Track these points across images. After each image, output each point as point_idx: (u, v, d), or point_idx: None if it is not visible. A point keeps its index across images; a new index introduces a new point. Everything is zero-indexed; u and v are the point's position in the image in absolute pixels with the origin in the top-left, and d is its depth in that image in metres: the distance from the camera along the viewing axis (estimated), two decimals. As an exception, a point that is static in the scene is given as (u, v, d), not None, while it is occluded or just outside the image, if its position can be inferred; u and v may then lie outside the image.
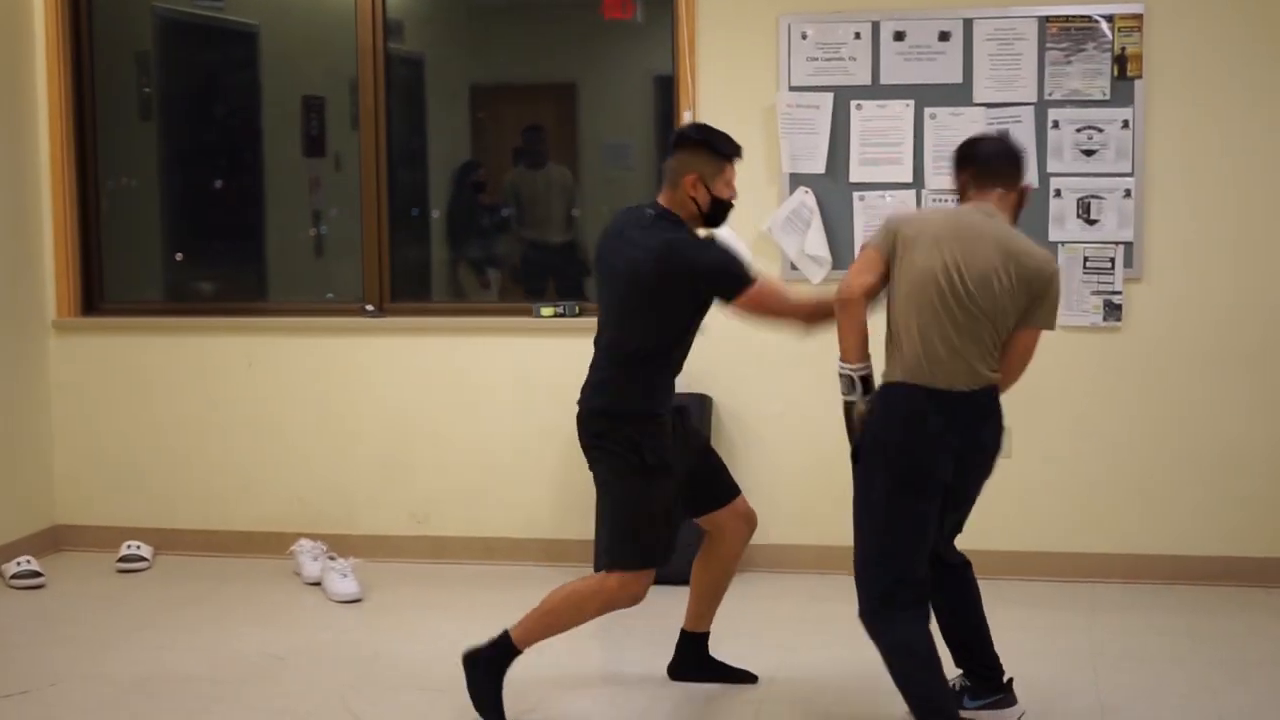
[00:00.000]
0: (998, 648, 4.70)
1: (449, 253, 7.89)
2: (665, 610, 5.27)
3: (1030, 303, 4.33)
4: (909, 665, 4.35)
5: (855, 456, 4.47)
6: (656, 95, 7.50)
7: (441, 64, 7.84)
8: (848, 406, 4.50)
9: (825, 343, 6.32)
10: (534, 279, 7.83)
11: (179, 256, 7.56)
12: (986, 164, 4.52)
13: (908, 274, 4.34)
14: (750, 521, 5.01)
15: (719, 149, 4.65)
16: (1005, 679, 4.67)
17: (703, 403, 6.49)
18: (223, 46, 7.94)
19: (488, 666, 4.79)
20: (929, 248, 4.32)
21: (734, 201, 4.73)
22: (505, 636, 4.79)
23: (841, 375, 4.48)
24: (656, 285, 4.55)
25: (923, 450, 4.32)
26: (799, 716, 4.93)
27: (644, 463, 4.62)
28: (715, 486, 4.94)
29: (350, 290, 7.10)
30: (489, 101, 8.23)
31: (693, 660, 5.15)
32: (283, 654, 5.62)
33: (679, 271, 4.54)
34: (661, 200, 4.68)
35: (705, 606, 5.11)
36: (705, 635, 5.15)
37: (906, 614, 4.36)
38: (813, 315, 4.72)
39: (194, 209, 7.80)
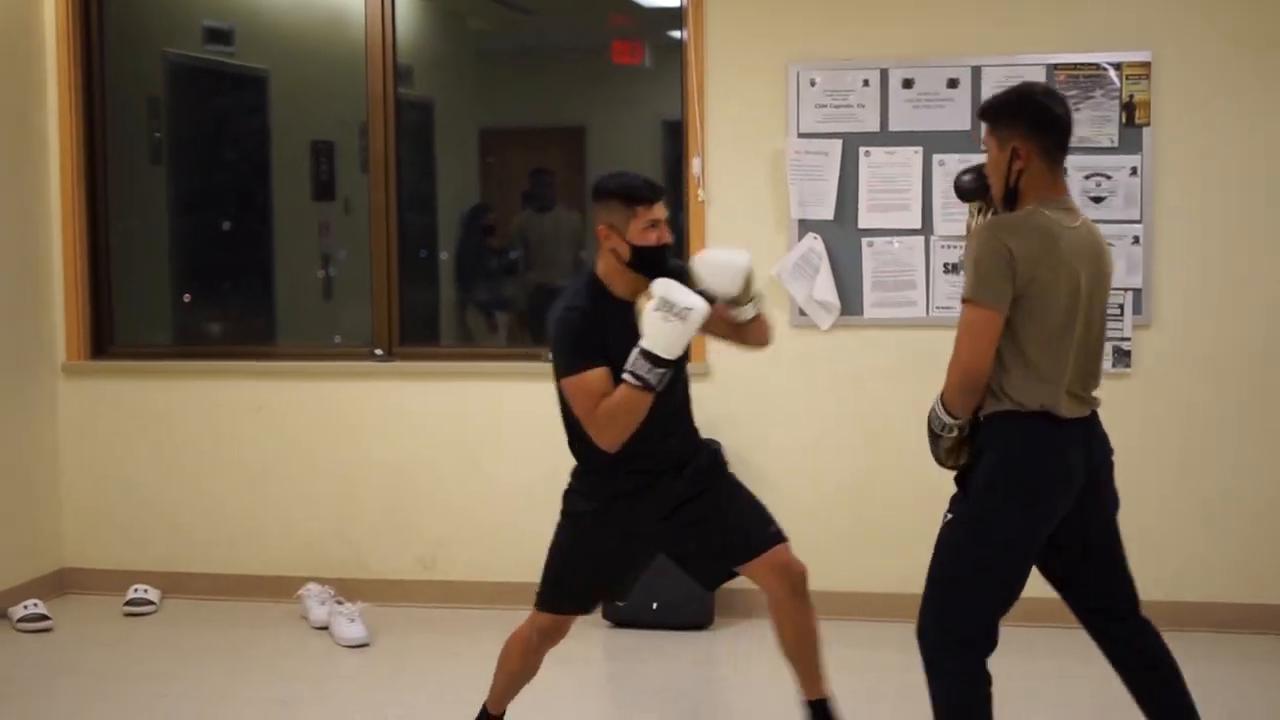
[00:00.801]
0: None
1: (457, 296, 7.92)
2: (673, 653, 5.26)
3: None
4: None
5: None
6: (665, 140, 7.54)
7: (451, 108, 7.89)
8: (933, 438, 4.12)
9: (832, 384, 6.41)
10: (542, 323, 7.84)
11: (187, 298, 7.57)
12: (1058, 129, 4.04)
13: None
14: (787, 573, 4.59)
15: (626, 194, 4.38)
16: None
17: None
18: (233, 91, 7.97)
19: None
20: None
21: (663, 244, 4.40)
22: (482, 709, 4.82)
23: (941, 418, 4.05)
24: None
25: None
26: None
27: (566, 510, 4.61)
28: (725, 544, 4.60)
29: (359, 333, 7.12)
30: (498, 145, 8.28)
31: None
32: (288, 699, 5.61)
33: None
34: (597, 266, 4.50)
35: (797, 670, 4.75)
36: (818, 703, 4.74)
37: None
38: (613, 435, 4.33)
39: (203, 252, 7.84)
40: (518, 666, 4.73)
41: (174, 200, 7.82)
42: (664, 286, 4.25)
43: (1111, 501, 4.23)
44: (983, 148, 4.18)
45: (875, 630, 6.31)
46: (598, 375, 4.31)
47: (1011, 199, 4.04)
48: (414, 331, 7.16)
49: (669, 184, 7.15)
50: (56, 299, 7.08)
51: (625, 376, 4.22)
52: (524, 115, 8.18)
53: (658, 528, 4.55)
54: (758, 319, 4.66)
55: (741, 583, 6.45)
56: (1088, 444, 4.08)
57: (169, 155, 7.79)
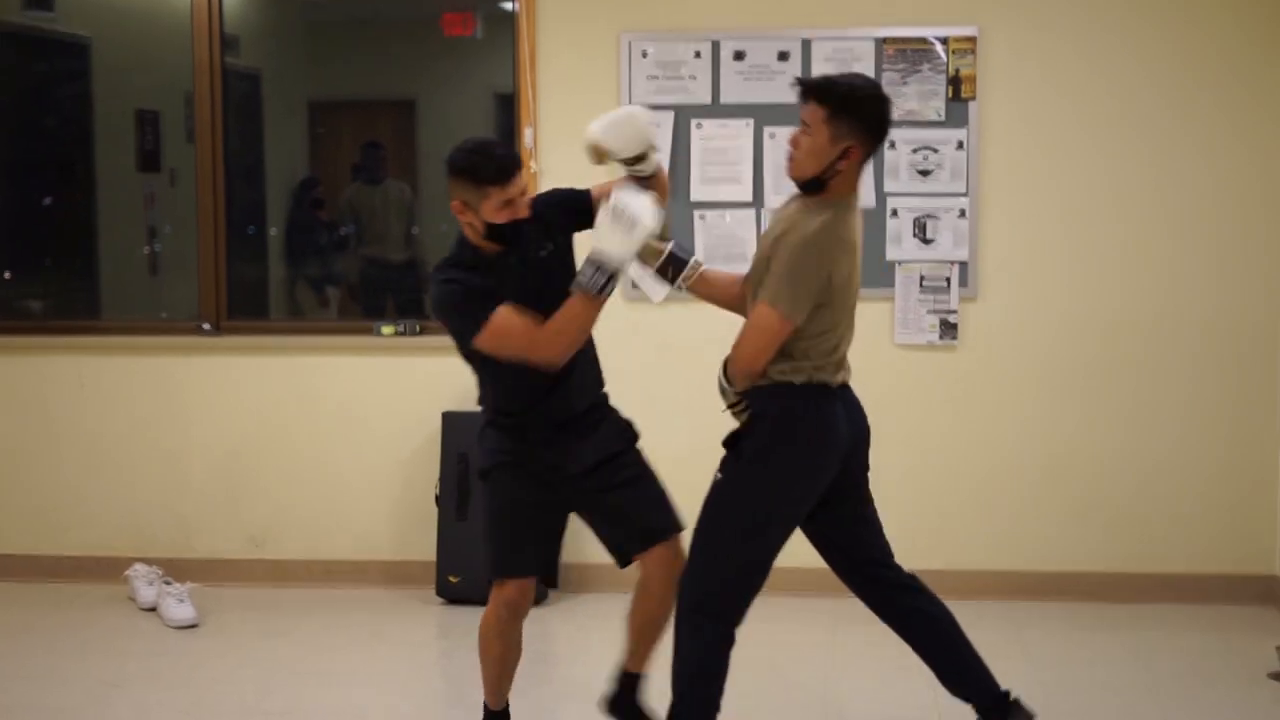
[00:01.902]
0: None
1: (287, 270, 7.81)
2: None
3: None
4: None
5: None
6: (497, 112, 7.49)
7: (279, 79, 7.76)
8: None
9: (664, 357, 6.41)
10: (373, 297, 7.77)
11: (7, 275, 7.36)
12: (883, 140, 4.20)
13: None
14: (668, 569, 4.48)
15: (477, 175, 4.26)
16: (1010, 697, 4.42)
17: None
18: (54, 58, 7.77)
19: None
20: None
21: (517, 220, 4.31)
22: (485, 709, 4.73)
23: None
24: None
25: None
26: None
27: (484, 468, 4.52)
28: (632, 526, 4.54)
29: (186, 309, 6.98)
30: (327, 117, 8.17)
31: (624, 701, 4.75)
32: (117, 681, 5.50)
33: (434, 310, 4.46)
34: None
35: (634, 649, 4.69)
36: (636, 676, 4.73)
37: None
38: (562, 347, 4.30)
39: (25, 225, 7.62)
40: (499, 649, 4.60)
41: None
42: (618, 196, 4.20)
43: (865, 465, 4.41)
44: (802, 121, 4.12)
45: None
46: (507, 311, 4.23)
47: (815, 188, 4.12)
48: (242, 307, 7.03)
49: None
50: None
51: (573, 288, 4.18)
52: (354, 87, 8.08)
53: (573, 487, 4.49)
54: (660, 174, 4.56)
55: (580, 556, 6.52)
56: (849, 411, 4.26)
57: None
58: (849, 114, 4.04)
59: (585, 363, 4.54)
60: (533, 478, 4.46)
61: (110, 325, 7.09)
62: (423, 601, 6.42)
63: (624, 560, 4.61)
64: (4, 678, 5.56)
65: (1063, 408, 6.35)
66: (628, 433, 4.65)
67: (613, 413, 4.67)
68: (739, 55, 6.32)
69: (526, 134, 6.46)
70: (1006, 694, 4.43)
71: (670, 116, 6.35)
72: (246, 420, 6.74)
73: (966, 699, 4.47)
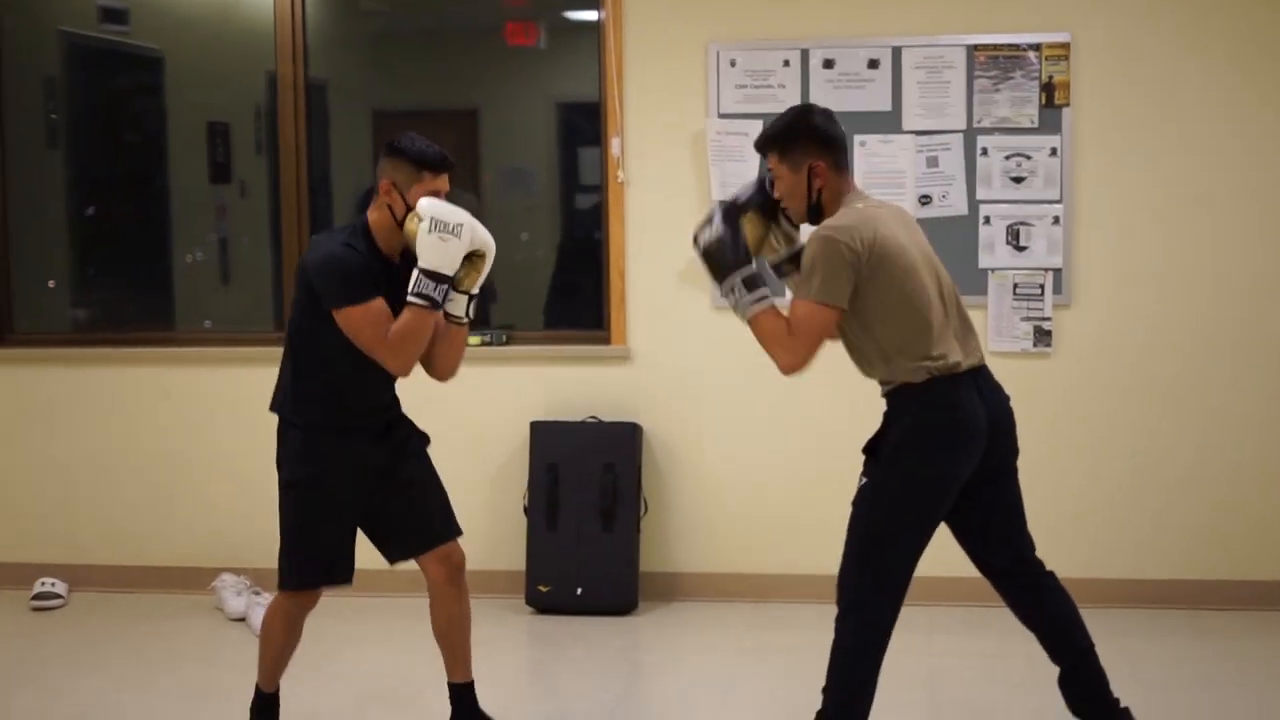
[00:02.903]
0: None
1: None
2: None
3: None
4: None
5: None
6: (559, 121, 7.48)
7: (344, 89, 7.74)
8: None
9: (753, 367, 6.37)
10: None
11: (51, 284, 7.34)
12: (840, 143, 4.36)
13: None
14: (448, 562, 4.71)
15: (417, 159, 4.42)
16: (1121, 707, 4.46)
17: (633, 431, 6.46)
18: (129, 72, 7.79)
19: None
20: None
21: None
22: (255, 688, 4.82)
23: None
24: (301, 291, 4.49)
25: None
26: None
27: (288, 479, 4.63)
28: (420, 529, 4.70)
29: (258, 319, 7.02)
30: (391, 128, 8.13)
31: (459, 712, 4.85)
32: (213, 691, 5.49)
33: (304, 274, 4.47)
34: (369, 213, 4.51)
35: (449, 659, 4.84)
36: (463, 686, 4.84)
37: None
38: (404, 358, 4.44)
39: (99, 237, 7.65)
40: (285, 640, 4.74)
41: (70, 184, 7.62)
42: (432, 206, 4.33)
43: (1013, 448, 4.42)
44: (769, 175, 4.38)
45: (808, 612, 6.31)
46: (381, 304, 4.38)
47: (816, 214, 4.33)
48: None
49: (561, 165, 7.15)
50: (-46, 287, 6.90)
51: (411, 299, 4.32)
52: (417, 97, 8.06)
53: (370, 487, 4.60)
54: (461, 331, 4.59)
55: (666, 565, 6.51)
56: (983, 395, 4.28)
57: (65, 138, 7.59)
58: (789, 142, 4.30)
59: (384, 374, 4.59)
60: (351, 485, 4.57)
61: (194, 336, 7.10)
62: (512, 611, 6.41)
63: (398, 557, 4.78)
64: (98, 689, 5.56)
65: (1156, 414, 6.29)
66: (420, 438, 4.78)
67: (404, 416, 4.79)
68: (828, 63, 6.29)
69: (614, 143, 6.45)
70: (1118, 704, 4.44)
71: (758, 126, 6.28)
72: (332, 430, 6.72)
73: (1079, 708, 4.46)
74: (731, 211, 4.34)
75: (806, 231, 4.38)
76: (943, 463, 4.20)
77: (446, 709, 4.83)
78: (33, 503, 6.93)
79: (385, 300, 4.39)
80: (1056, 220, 6.20)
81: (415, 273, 4.32)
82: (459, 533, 4.76)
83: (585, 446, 6.44)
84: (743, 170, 6.32)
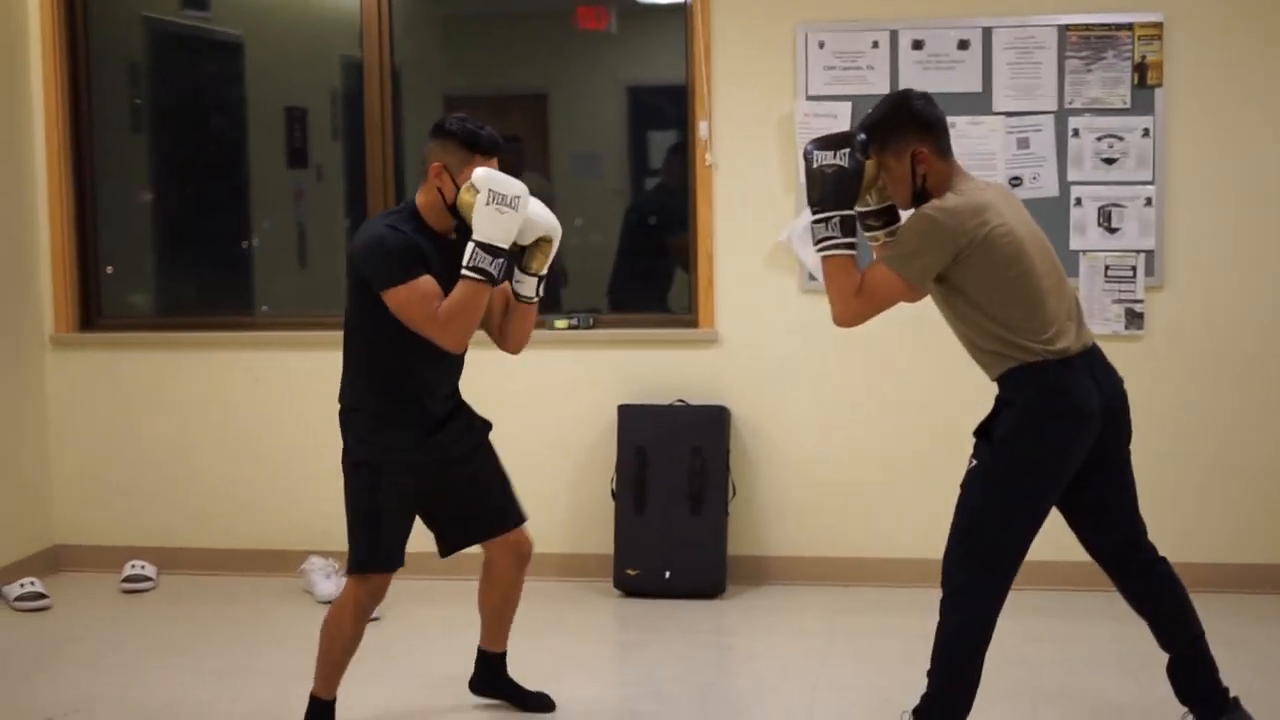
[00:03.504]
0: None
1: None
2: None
3: None
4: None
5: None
6: (629, 105, 7.47)
7: (416, 73, 7.75)
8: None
9: (842, 349, 6.37)
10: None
11: (110, 270, 7.37)
12: (941, 127, 4.29)
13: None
14: (517, 551, 4.81)
15: (468, 141, 4.42)
16: (1230, 696, 4.41)
17: (720, 415, 6.45)
18: (210, 57, 7.83)
19: None
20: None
21: None
22: (310, 698, 4.78)
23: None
24: (351, 277, 4.51)
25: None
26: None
27: (353, 461, 4.62)
28: (484, 515, 4.77)
29: (334, 303, 7.02)
30: (464, 112, 8.14)
31: (488, 678, 5.06)
32: (309, 674, 5.49)
33: (351, 260, 4.49)
34: (418, 196, 4.53)
35: (490, 630, 5.01)
36: (497, 655, 5.04)
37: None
38: (457, 333, 4.43)
39: (181, 221, 7.70)
40: (350, 636, 4.70)
41: (155, 168, 7.67)
42: (489, 177, 4.31)
43: (1125, 431, 4.38)
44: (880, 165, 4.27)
45: (896, 596, 6.31)
46: (429, 280, 4.37)
47: (921, 199, 4.25)
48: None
49: (630, 148, 7.14)
50: (44, 271, 6.94)
51: (465, 272, 4.32)
52: (487, 81, 8.06)
53: (428, 480, 4.62)
54: (530, 308, 4.65)
55: (754, 549, 6.51)
56: (1096, 378, 4.23)
57: (149, 122, 7.63)
58: (889, 132, 4.23)
59: (450, 364, 4.63)
60: (411, 469, 4.56)
61: (281, 320, 7.13)
62: (600, 594, 6.42)
63: (454, 548, 4.84)
64: (193, 672, 5.59)
65: (1247, 397, 6.25)
66: (483, 426, 4.79)
67: (465, 404, 4.78)
68: (918, 44, 6.26)
69: (701, 127, 6.43)
70: (1228, 693, 4.40)
71: (848, 108, 6.29)
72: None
73: (1187, 696, 4.43)
74: (864, 149, 4.22)
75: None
76: (1055, 447, 4.16)
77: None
78: (122, 486, 6.98)
79: (441, 278, 4.38)
80: (1149, 202, 6.16)
81: (470, 245, 4.31)
82: (525, 519, 4.80)
83: (673, 430, 6.44)
84: (831, 153, 6.30)
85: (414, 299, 4.35)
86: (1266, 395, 6.24)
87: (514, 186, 4.32)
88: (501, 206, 4.26)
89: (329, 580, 6.43)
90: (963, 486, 4.27)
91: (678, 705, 5.12)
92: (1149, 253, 6.16)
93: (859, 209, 4.34)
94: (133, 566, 6.70)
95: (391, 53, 6.87)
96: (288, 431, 6.85)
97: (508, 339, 4.71)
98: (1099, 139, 6.15)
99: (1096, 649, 5.58)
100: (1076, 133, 6.15)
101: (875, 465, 6.48)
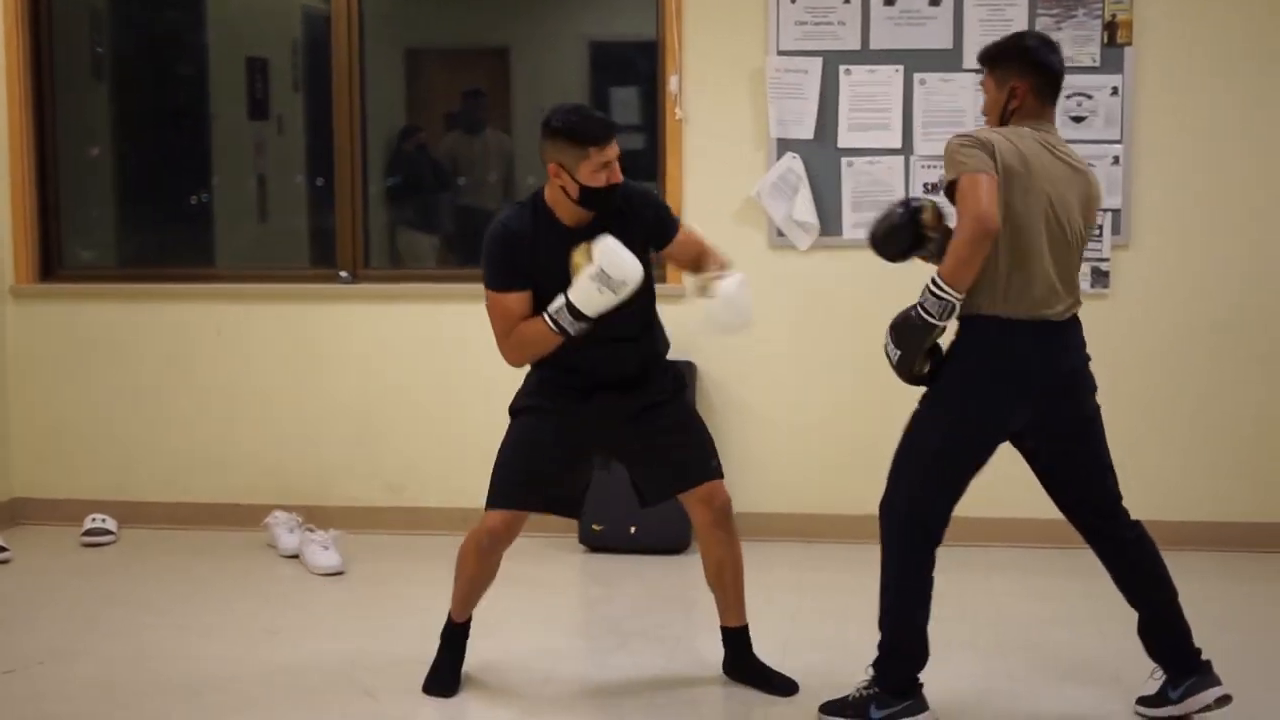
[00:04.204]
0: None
1: (390, 218, 7.75)
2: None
3: None
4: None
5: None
6: (590, 60, 7.43)
7: (377, 26, 7.68)
8: (927, 330, 4.19)
9: (810, 305, 6.36)
10: (472, 246, 7.72)
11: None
12: (1051, 73, 4.34)
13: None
14: (710, 503, 4.72)
15: (575, 136, 4.36)
16: (1202, 658, 4.42)
17: (687, 370, 6.43)
18: (172, 3, 7.73)
19: (445, 646, 4.84)
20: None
21: (613, 185, 4.41)
22: (447, 620, 4.85)
23: (940, 299, 4.11)
24: None
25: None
26: (812, 690, 4.84)
27: (512, 407, 4.68)
28: (665, 471, 4.71)
29: (294, 255, 7.05)
30: (423, 65, 8.10)
31: (735, 659, 4.91)
32: (274, 628, 5.50)
33: None
34: (546, 188, 4.51)
35: (721, 603, 4.90)
36: (735, 630, 4.90)
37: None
38: (519, 359, 4.57)
39: (143, 171, 7.64)
40: (474, 570, 4.73)
41: (115, 117, 7.59)
42: (605, 254, 4.29)
43: (1086, 406, 4.40)
44: (979, 89, 4.50)
45: (864, 552, 6.26)
46: (518, 299, 4.43)
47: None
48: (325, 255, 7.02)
49: (593, 103, 7.04)
50: (3, 221, 6.85)
51: (545, 317, 4.37)
52: (449, 35, 8.01)
53: (608, 430, 4.62)
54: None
55: (747, 507, 6.47)
56: (1052, 349, 4.25)
57: (111, 71, 7.54)
58: (1000, 61, 4.33)
59: (646, 327, 4.67)
60: (564, 425, 4.58)
61: (246, 273, 7.07)
62: (566, 550, 6.41)
63: (647, 501, 4.82)
64: (159, 624, 5.55)
65: (1214, 355, 6.28)
66: (674, 382, 4.76)
67: (666, 365, 4.77)
68: (889, 1, 6.23)
69: (671, 81, 6.40)
70: (1199, 654, 4.42)
71: (819, 63, 6.28)
72: (383, 368, 6.72)
73: (1159, 657, 4.45)
74: (914, 213, 4.33)
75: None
76: (983, 406, 4.24)
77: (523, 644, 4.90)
78: (83, 439, 6.93)
79: (555, 266, 4.38)
80: (1116, 160, 6.16)
81: (561, 299, 4.33)
82: (718, 474, 4.73)
83: (639, 385, 6.41)
84: (802, 108, 6.29)
85: (496, 310, 4.47)
86: (1233, 354, 6.27)
87: (626, 271, 4.28)
88: (604, 286, 4.29)
89: (292, 534, 6.40)
90: (903, 431, 4.40)
91: (645, 659, 5.12)
92: (1115, 212, 6.18)
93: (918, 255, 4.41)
94: (93, 520, 6.65)
95: (360, 2, 6.78)
96: (250, 385, 6.81)
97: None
98: (1068, 97, 6.12)
99: (1065, 605, 5.60)
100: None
101: (842, 422, 6.48)
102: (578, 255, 4.35)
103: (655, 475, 4.72)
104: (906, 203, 4.38)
